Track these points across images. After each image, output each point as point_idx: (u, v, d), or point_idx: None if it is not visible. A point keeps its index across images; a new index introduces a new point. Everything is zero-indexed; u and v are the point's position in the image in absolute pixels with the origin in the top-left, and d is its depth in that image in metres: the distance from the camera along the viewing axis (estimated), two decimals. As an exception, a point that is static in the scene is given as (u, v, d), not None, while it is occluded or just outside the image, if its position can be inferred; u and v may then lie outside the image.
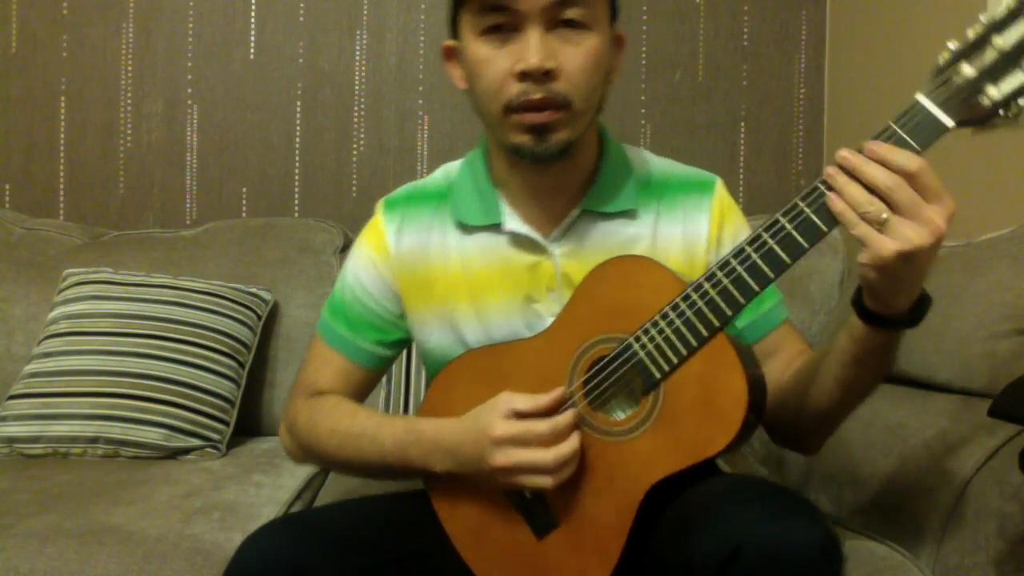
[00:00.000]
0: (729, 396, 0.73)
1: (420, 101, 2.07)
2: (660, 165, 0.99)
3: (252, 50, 2.05)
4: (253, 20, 2.05)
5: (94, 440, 1.43)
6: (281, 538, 0.80)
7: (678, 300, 0.76)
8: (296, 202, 2.07)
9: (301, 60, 2.06)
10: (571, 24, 0.83)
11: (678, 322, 0.76)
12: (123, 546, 1.06)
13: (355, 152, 2.07)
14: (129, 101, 2.05)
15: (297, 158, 2.07)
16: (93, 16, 2.03)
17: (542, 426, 0.78)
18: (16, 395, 1.49)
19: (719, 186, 0.98)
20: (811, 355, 0.87)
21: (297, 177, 2.07)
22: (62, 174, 2.05)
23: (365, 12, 2.06)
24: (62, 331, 1.54)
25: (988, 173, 1.43)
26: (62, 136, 2.04)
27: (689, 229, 0.95)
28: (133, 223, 2.03)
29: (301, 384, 1.03)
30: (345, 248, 1.86)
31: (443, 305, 0.96)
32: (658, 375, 0.77)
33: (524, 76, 0.82)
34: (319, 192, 2.07)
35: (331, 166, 2.07)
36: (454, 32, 0.90)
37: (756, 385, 0.75)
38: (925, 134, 0.68)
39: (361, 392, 1.03)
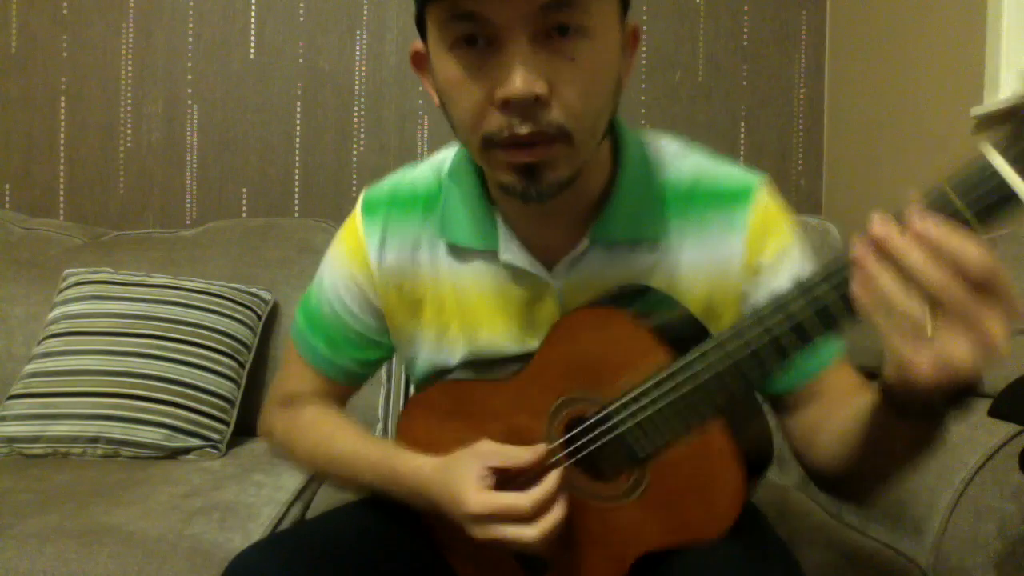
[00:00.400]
0: (723, 490, 0.66)
1: (420, 101, 2.07)
2: (690, 169, 0.81)
3: (252, 50, 2.05)
4: (253, 20, 2.05)
5: (94, 440, 1.43)
6: (270, 558, 0.75)
7: (665, 378, 0.65)
8: (296, 202, 2.07)
9: (301, 60, 2.06)
10: (565, 31, 0.64)
11: (663, 403, 0.65)
12: (123, 546, 1.06)
13: (355, 152, 2.07)
14: (129, 101, 2.05)
15: (297, 158, 2.07)
16: (93, 16, 2.03)
17: (523, 502, 0.69)
18: (16, 395, 1.49)
19: (759, 195, 0.79)
20: (849, 418, 0.70)
21: (297, 177, 2.07)
22: (62, 174, 2.05)
23: (365, 12, 2.06)
24: (62, 331, 1.54)
25: (988, 173, 1.43)
26: (62, 136, 2.04)
27: (718, 254, 0.78)
28: (133, 223, 2.03)
29: (277, 392, 0.96)
30: (345, 248, 1.86)
31: (431, 329, 0.86)
32: (642, 454, 0.68)
33: (507, 105, 0.64)
34: (319, 192, 2.07)
35: (331, 166, 2.07)
36: (423, 32, 0.71)
37: (756, 465, 0.69)
38: (995, 209, 0.49)
39: (340, 401, 0.95)
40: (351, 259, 0.88)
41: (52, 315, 1.59)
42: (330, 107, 2.06)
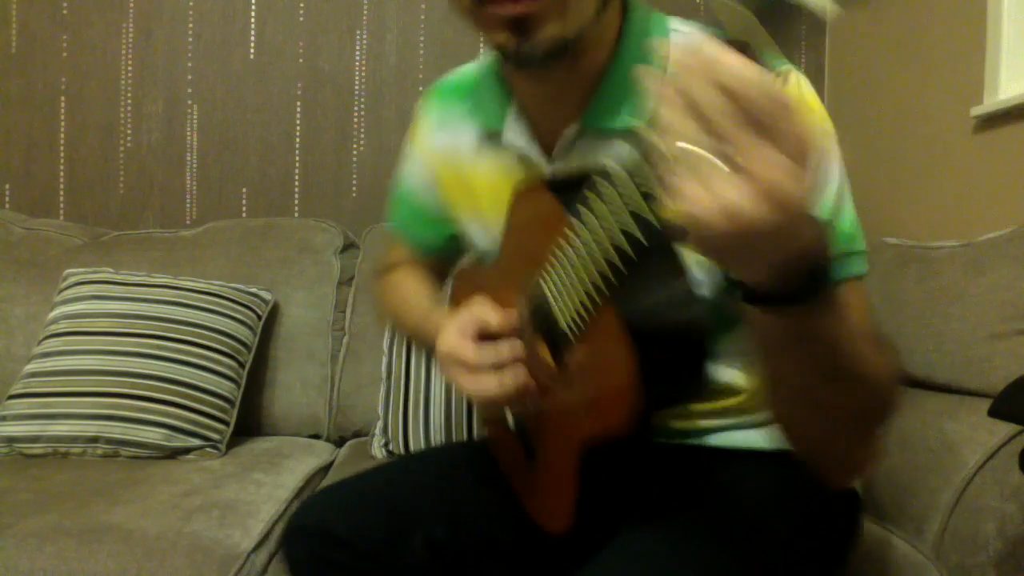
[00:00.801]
0: (614, 368, 0.62)
1: (420, 101, 2.06)
2: None
3: (252, 50, 2.05)
4: (253, 20, 2.05)
5: (94, 440, 1.43)
6: (335, 499, 0.85)
7: (560, 257, 0.64)
8: (296, 202, 2.07)
9: (301, 60, 2.06)
10: None
11: (560, 280, 0.64)
12: (123, 544, 1.06)
13: (355, 152, 2.07)
14: (129, 101, 2.05)
15: (297, 158, 2.07)
16: (93, 16, 2.03)
17: (469, 354, 0.75)
18: (16, 395, 1.48)
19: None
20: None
21: (297, 177, 2.07)
22: (62, 174, 2.05)
23: (365, 12, 2.06)
24: (62, 331, 1.54)
25: (988, 173, 1.43)
26: (62, 136, 2.04)
27: None
28: (133, 223, 2.03)
29: (381, 261, 1.10)
30: (345, 248, 1.86)
31: (473, 213, 0.89)
32: (570, 337, 0.67)
33: None
34: (319, 192, 2.07)
35: (331, 166, 2.07)
36: None
37: (661, 361, 0.63)
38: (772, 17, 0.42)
39: (435, 270, 1.03)
40: (415, 142, 0.96)
41: (52, 315, 1.59)
42: (330, 107, 2.06)
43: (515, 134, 0.80)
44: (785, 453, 0.77)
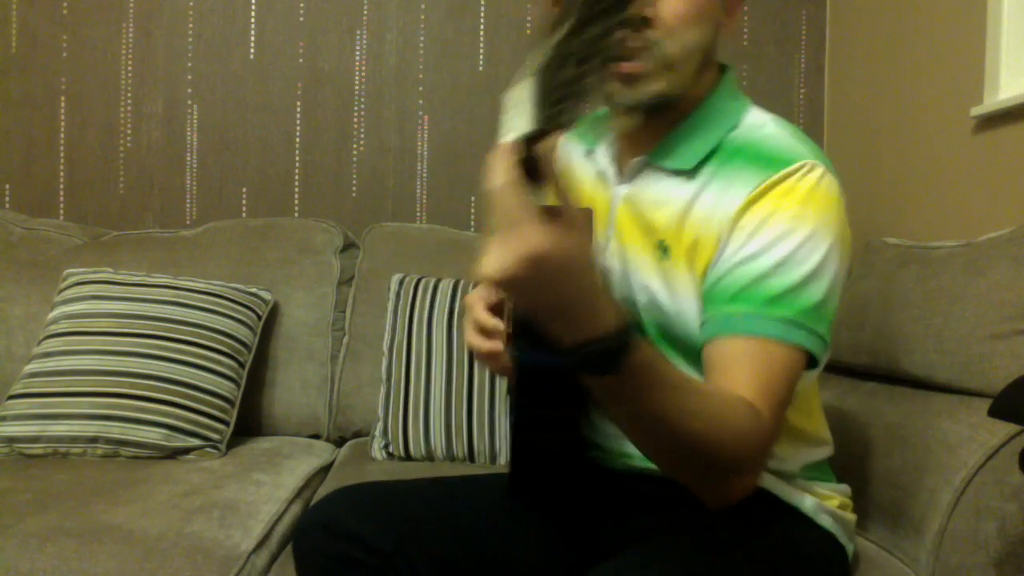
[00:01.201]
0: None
1: (420, 101, 2.07)
2: (757, 133, 0.87)
3: (252, 50, 2.05)
4: (253, 20, 2.05)
5: (94, 440, 1.43)
6: (345, 498, 0.91)
7: None
8: (296, 202, 2.07)
9: (301, 60, 2.06)
10: None
11: None
12: (123, 545, 1.06)
13: (355, 152, 2.07)
14: (129, 101, 2.05)
15: (297, 158, 2.07)
16: (93, 16, 2.03)
17: (478, 315, 0.87)
18: (16, 395, 1.49)
19: (792, 168, 0.81)
20: None
21: (297, 177, 2.07)
22: (62, 174, 2.05)
23: (365, 12, 2.06)
24: (62, 331, 1.54)
25: (988, 173, 1.43)
26: (62, 136, 2.04)
27: (724, 203, 0.82)
28: (133, 223, 2.03)
29: None
30: (345, 248, 1.86)
31: None
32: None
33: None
34: (319, 192, 2.07)
35: (331, 166, 2.07)
36: None
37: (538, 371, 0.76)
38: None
39: None
40: None
41: (52, 315, 1.59)
42: (330, 107, 2.06)
43: (602, 156, 0.96)
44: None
